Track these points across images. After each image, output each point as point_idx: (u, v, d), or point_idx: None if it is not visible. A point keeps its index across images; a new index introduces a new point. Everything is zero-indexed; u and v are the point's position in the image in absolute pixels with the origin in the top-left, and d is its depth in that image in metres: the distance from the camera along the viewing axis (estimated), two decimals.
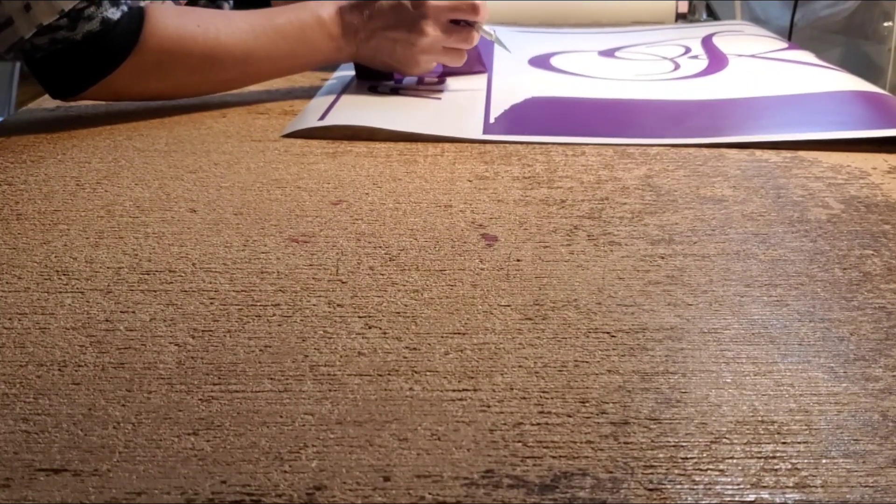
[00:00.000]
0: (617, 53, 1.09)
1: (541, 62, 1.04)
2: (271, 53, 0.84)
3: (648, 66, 1.01)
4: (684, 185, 0.66)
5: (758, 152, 0.73)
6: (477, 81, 0.94)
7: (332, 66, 1.04)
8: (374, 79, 0.93)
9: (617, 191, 0.65)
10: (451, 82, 0.93)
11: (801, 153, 0.73)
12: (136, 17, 0.78)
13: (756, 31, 1.23)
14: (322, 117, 0.79)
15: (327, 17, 0.86)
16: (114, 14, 0.76)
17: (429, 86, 0.92)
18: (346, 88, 0.90)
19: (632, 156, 0.72)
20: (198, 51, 0.80)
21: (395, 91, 0.90)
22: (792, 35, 1.84)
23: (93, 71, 0.78)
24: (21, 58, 0.79)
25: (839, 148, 0.73)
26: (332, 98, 0.86)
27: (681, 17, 1.36)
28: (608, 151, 0.74)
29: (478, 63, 0.99)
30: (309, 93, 0.91)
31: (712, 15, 1.50)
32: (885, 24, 1.77)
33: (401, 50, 0.87)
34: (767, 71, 0.96)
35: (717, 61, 1.01)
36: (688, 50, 1.07)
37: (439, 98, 0.88)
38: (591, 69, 1.00)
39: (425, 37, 0.86)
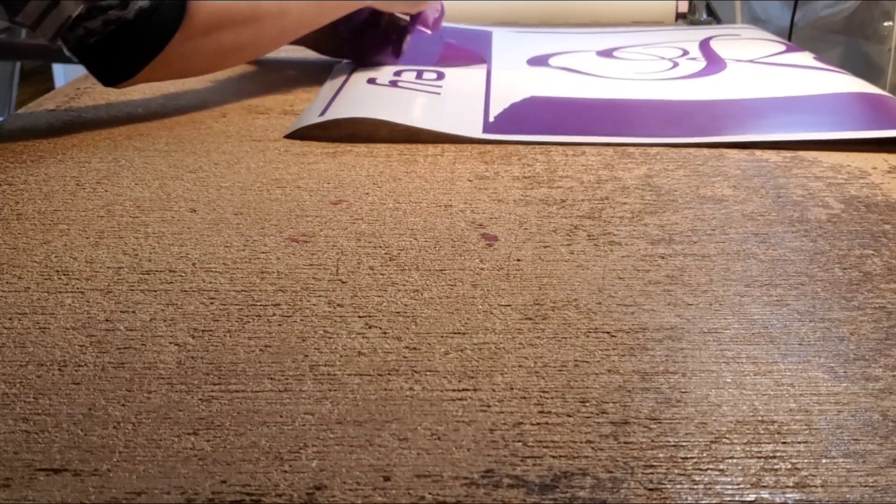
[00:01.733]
0: (615, 53, 1.09)
1: (539, 61, 1.04)
2: (301, 6, 0.86)
3: (646, 65, 1.01)
4: (684, 184, 0.66)
5: (758, 152, 0.73)
6: (475, 79, 0.94)
7: (333, 60, 1.05)
8: (370, 59, 0.96)
9: (617, 190, 0.65)
10: (449, 79, 0.93)
11: (801, 153, 0.73)
12: None
13: (754, 34, 1.23)
14: (322, 113, 0.79)
15: None
16: None
17: (428, 81, 0.92)
18: (345, 85, 0.90)
19: (632, 156, 0.72)
20: (240, 16, 0.81)
21: (394, 84, 0.90)
22: (792, 35, 1.84)
23: (147, 49, 0.77)
24: (68, 46, 0.77)
25: (839, 148, 0.73)
26: (331, 95, 0.86)
27: (681, 17, 1.36)
28: (608, 151, 0.74)
29: (475, 56, 1.01)
30: (309, 93, 0.91)
31: (712, 15, 1.50)
32: (885, 24, 1.77)
33: None
34: (766, 75, 0.97)
35: (714, 64, 1.01)
36: (685, 53, 1.08)
37: (438, 93, 0.88)
38: (589, 68, 1.00)
39: None
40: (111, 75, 0.79)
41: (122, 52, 0.77)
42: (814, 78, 0.93)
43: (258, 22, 0.83)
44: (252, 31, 0.84)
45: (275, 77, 0.99)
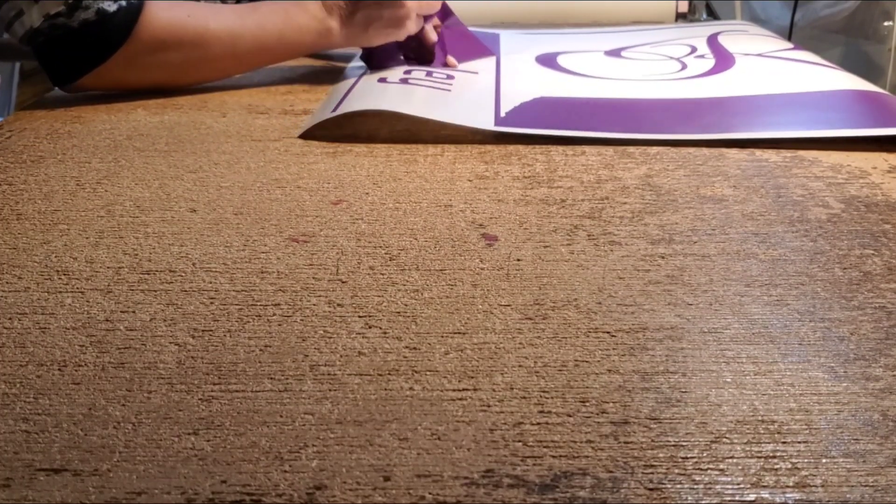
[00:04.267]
0: (623, 53, 1.09)
1: (547, 61, 1.04)
2: (258, 37, 0.90)
3: (655, 66, 1.01)
4: (684, 184, 0.66)
5: (758, 152, 0.73)
6: (485, 80, 0.94)
7: (341, 57, 1.05)
8: (384, 66, 0.96)
9: (617, 190, 0.65)
10: (459, 78, 0.93)
11: (801, 153, 0.73)
12: (133, 11, 0.84)
13: (760, 31, 1.23)
14: (335, 110, 0.80)
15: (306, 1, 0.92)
16: (110, 7, 0.83)
17: (438, 79, 0.92)
18: (356, 84, 0.90)
19: (632, 155, 0.72)
20: (188, 39, 0.86)
21: (405, 82, 0.90)
22: (792, 35, 1.84)
23: (88, 58, 0.85)
24: (24, 43, 0.85)
25: (839, 147, 0.73)
26: (343, 91, 0.86)
27: (681, 17, 1.36)
28: (608, 151, 0.74)
29: (483, 49, 1.02)
30: (309, 93, 0.91)
31: (712, 15, 1.50)
32: (885, 24, 1.77)
33: (387, 15, 0.91)
34: (774, 69, 0.97)
35: (723, 60, 1.01)
36: (694, 49, 1.08)
37: (449, 90, 0.88)
38: (598, 69, 1.00)
39: None
40: (57, 76, 0.87)
41: (66, 56, 0.85)
42: (817, 73, 0.93)
43: (208, 50, 0.88)
44: (200, 59, 0.88)
45: (275, 77, 0.99)
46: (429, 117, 0.77)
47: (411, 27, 0.94)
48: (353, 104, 0.80)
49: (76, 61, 0.85)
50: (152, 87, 0.89)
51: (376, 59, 0.97)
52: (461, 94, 0.87)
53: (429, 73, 0.93)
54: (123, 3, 0.83)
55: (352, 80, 0.91)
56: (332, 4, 0.91)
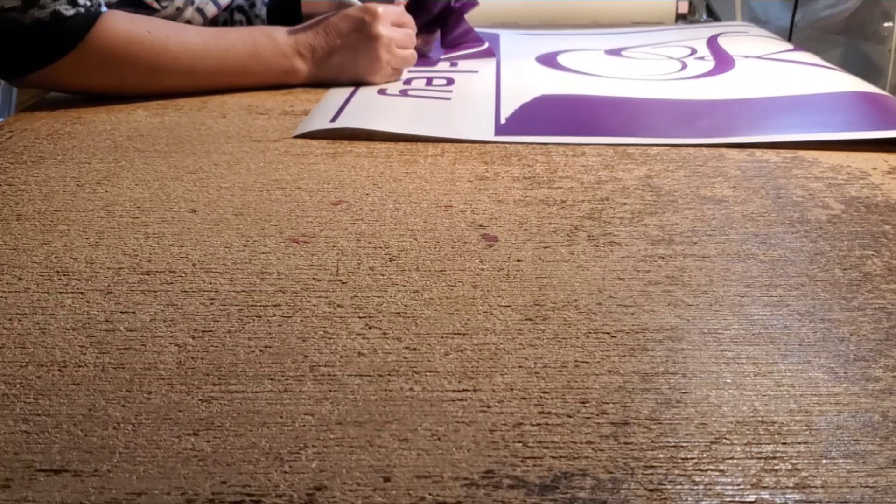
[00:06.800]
0: (623, 53, 1.09)
1: (548, 60, 1.05)
2: (220, 66, 0.89)
3: (656, 66, 1.01)
4: (684, 185, 0.66)
5: (758, 152, 0.73)
6: (485, 80, 0.94)
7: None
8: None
9: (617, 191, 0.65)
10: (459, 83, 0.93)
11: (801, 153, 0.73)
12: (90, 18, 0.82)
13: (760, 32, 1.23)
14: (333, 119, 0.79)
15: (278, 36, 0.91)
16: (67, 10, 0.81)
17: (438, 87, 0.93)
18: (354, 94, 0.90)
19: (632, 156, 0.72)
20: (144, 56, 0.85)
21: (404, 94, 0.90)
22: (792, 35, 1.84)
23: (36, 57, 0.83)
24: None
25: (839, 148, 0.73)
26: (342, 99, 0.86)
27: (681, 18, 1.36)
28: (608, 152, 0.74)
29: (477, 39, 1.03)
30: (309, 93, 0.91)
31: (712, 15, 1.50)
32: (885, 24, 1.77)
33: (362, 60, 0.92)
34: (773, 72, 0.97)
35: (723, 63, 1.01)
36: (694, 51, 1.08)
37: (448, 98, 0.88)
38: (598, 68, 1.00)
39: (381, 39, 0.91)
40: (6, 70, 0.85)
41: (15, 51, 0.83)
42: (817, 76, 0.93)
43: (164, 70, 0.87)
44: (155, 76, 0.87)
45: None
46: (428, 134, 0.76)
47: (381, 77, 0.93)
48: (353, 119, 0.79)
49: (24, 58, 0.83)
50: (103, 93, 0.89)
51: None
52: (461, 102, 0.87)
53: (428, 82, 0.93)
54: (82, 9, 0.82)
55: (349, 88, 0.91)
56: (304, 45, 0.91)
